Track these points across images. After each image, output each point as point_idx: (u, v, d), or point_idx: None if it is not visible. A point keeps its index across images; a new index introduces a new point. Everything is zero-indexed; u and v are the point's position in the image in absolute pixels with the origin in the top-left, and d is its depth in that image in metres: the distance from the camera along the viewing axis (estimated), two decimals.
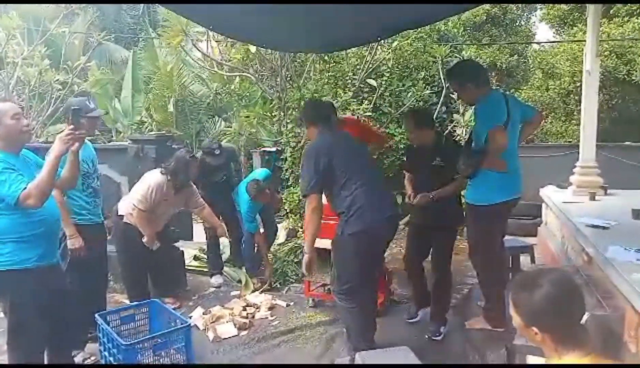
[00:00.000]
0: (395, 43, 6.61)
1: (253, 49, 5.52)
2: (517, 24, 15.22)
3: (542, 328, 1.45)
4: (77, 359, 3.41)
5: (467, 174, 3.47)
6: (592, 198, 5.13)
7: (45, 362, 2.83)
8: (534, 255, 4.53)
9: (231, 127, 9.48)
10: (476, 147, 3.32)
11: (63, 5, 7.73)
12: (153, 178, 4.04)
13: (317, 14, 3.40)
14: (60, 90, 7.73)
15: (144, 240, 4.06)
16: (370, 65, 6.52)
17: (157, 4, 9.73)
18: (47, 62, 7.50)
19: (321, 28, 3.91)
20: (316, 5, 3.10)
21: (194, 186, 4.40)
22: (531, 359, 2.63)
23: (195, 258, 5.66)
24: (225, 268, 5.33)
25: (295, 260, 5.08)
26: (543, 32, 15.33)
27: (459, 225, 3.85)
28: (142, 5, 14.88)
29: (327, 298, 4.25)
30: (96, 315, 3.46)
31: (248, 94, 7.76)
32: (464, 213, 3.68)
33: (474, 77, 3.32)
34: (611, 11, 9.38)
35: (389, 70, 6.75)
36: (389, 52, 6.68)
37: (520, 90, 10.68)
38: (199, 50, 6.53)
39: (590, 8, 5.21)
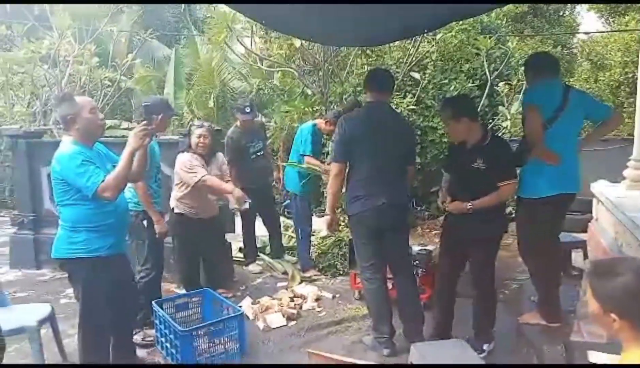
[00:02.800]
0: (440, 35, 6.53)
1: (297, 43, 5.56)
2: (560, 14, 14.77)
3: (622, 314, 1.42)
4: (136, 338, 3.54)
5: (517, 163, 3.44)
6: None
7: (111, 343, 2.96)
8: (586, 251, 4.41)
9: (271, 122, 9.60)
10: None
11: (112, 4, 7.99)
12: (180, 159, 4.10)
13: (364, 8, 3.40)
14: (109, 87, 8.00)
15: (234, 194, 4.05)
16: (414, 58, 6.46)
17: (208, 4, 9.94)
18: (96, 59, 7.77)
19: (368, 22, 3.90)
20: None
21: (220, 154, 4.44)
22: (593, 355, 2.57)
23: (241, 250, 5.77)
24: (270, 260, 5.42)
25: (340, 252, 5.11)
26: (591, 22, 14.72)
27: (500, 236, 3.28)
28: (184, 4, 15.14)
29: None
30: (153, 303, 3.60)
31: (289, 88, 7.82)
32: (507, 222, 3.34)
33: (534, 65, 3.31)
34: None
35: (432, 63, 6.68)
36: (433, 45, 6.60)
37: (576, 83, 10.35)
38: (243, 45, 6.62)
39: None
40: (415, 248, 4.14)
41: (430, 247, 4.24)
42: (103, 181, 2.58)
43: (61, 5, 7.61)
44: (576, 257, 4.59)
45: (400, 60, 6.75)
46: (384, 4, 3.26)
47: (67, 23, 7.27)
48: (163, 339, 3.47)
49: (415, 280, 3.65)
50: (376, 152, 3.29)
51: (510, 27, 11.82)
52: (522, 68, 7.73)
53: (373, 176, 3.29)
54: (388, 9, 3.42)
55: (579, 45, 11.66)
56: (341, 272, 5.00)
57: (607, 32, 9.17)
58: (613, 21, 10.01)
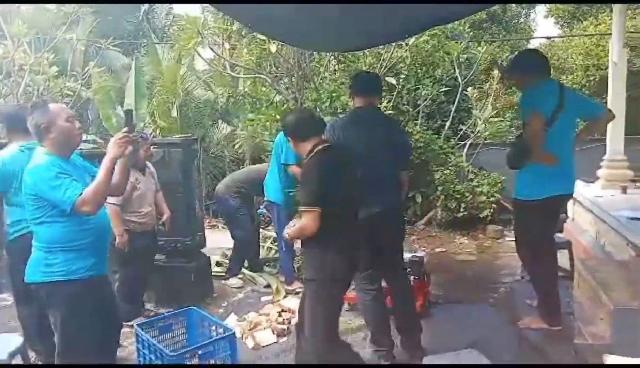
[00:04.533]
0: (412, 40, 6.52)
1: (273, 48, 5.41)
2: (516, 21, 15.27)
3: None
4: None
5: (511, 165, 3.40)
6: (624, 191, 5.05)
7: None
8: (572, 251, 4.42)
9: (236, 131, 9.42)
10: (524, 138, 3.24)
11: (70, 11, 7.61)
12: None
13: (349, 14, 3.30)
14: (68, 97, 7.60)
15: (117, 240, 3.80)
16: (388, 64, 6.42)
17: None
18: (54, 69, 7.37)
19: (354, 28, 3.80)
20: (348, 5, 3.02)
21: (150, 164, 4.29)
22: (609, 358, 2.52)
23: (218, 264, 5.55)
24: (251, 273, 5.22)
25: None
26: (549, 27, 15.35)
27: (318, 282, 2.71)
28: (142, 11, 14.74)
29: None
30: (135, 325, 3.35)
31: (262, 96, 7.64)
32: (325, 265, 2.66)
33: (524, 64, 3.28)
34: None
35: (406, 67, 6.66)
36: (406, 50, 6.59)
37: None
38: (214, 52, 6.41)
39: None
40: (407, 255, 4.04)
41: (420, 253, 4.15)
42: (81, 194, 2.35)
43: (15, 13, 7.19)
44: (561, 257, 4.60)
45: (374, 65, 6.70)
46: (371, 6, 3.17)
47: (22, 31, 6.86)
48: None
49: (412, 289, 3.54)
50: (369, 158, 3.16)
51: (470, 33, 12.11)
52: (494, 72, 7.94)
53: (366, 184, 3.17)
54: (374, 13, 3.34)
55: (540, 50, 12.00)
56: None
57: (568, 36, 9.48)
58: (573, 26, 10.36)
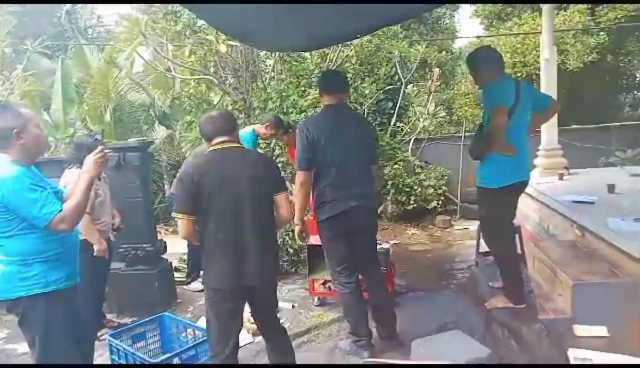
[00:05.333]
0: (356, 40, 6.67)
1: (223, 49, 5.34)
2: (441, 21, 16.04)
3: None
4: None
5: (474, 156, 3.59)
6: (561, 178, 5.47)
7: None
8: (521, 235, 4.72)
9: (175, 135, 9.21)
10: (485, 130, 3.43)
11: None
12: (72, 177, 3.51)
13: (301, 13, 3.34)
14: None
15: (96, 249, 3.64)
16: (334, 63, 6.54)
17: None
18: None
19: (306, 27, 3.84)
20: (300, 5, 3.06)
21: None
22: (578, 329, 2.74)
23: (176, 269, 5.40)
24: None
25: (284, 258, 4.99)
26: (473, 28, 16.23)
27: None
28: (63, 11, 13.97)
29: (332, 295, 4.21)
30: (108, 336, 3.24)
31: (205, 98, 7.51)
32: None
33: (483, 61, 3.46)
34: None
35: (352, 66, 6.82)
36: (352, 49, 6.74)
37: (459, 84, 11.18)
38: (159, 53, 6.21)
39: None
40: None
41: (386, 245, 4.29)
42: (60, 211, 2.26)
43: None
44: None
45: (320, 65, 6.80)
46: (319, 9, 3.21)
47: None
48: None
49: (384, 279, 3.66)
50: (342, 154, 3.24)
51: (403, 33, 12.57)
52: (433, 70, 8.29)
53: (340, 179, 3.24)
54: (325, 14, 3.39)
55: (470, 49, 12.65)
56: (291, 281, 4.88)
57: (496, 35, 10.07)
58: (496, 26, 10.99)
